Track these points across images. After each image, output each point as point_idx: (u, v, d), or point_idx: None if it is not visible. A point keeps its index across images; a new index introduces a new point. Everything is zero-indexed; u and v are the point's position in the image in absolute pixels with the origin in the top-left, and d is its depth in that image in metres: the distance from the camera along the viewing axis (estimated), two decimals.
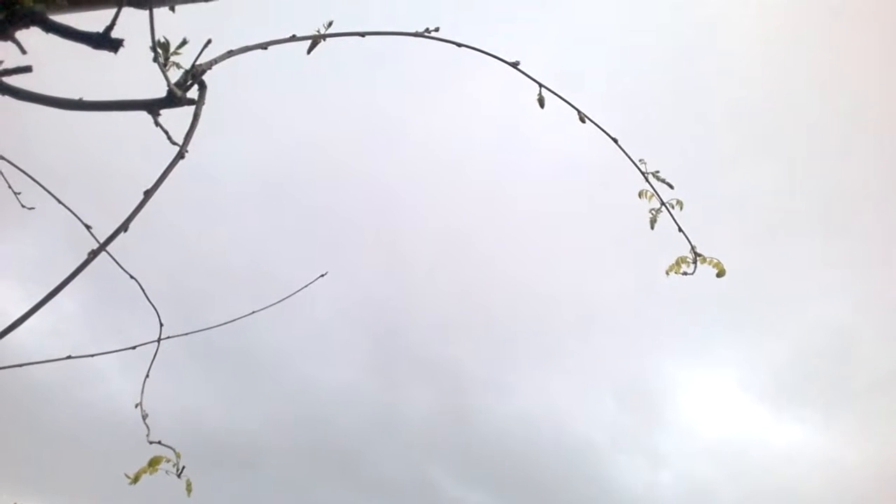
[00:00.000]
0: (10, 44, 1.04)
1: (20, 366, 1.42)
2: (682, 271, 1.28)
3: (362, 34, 1.29)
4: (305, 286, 1.79)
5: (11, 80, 1.04)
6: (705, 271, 1.36)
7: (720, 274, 1.30)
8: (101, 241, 1.34)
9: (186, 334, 1.66)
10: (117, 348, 1.70)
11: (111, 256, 1.32)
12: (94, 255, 1.07)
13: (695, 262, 1.29)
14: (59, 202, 1.42)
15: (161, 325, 1.59)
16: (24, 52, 0.94)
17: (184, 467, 1.23)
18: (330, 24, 1.26)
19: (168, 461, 1.25)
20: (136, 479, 1.22)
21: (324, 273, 1.85)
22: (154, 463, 1.23)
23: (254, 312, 1.79)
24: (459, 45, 1.36)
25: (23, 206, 1.65)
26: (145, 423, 1.44)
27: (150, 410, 1.62)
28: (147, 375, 1.59)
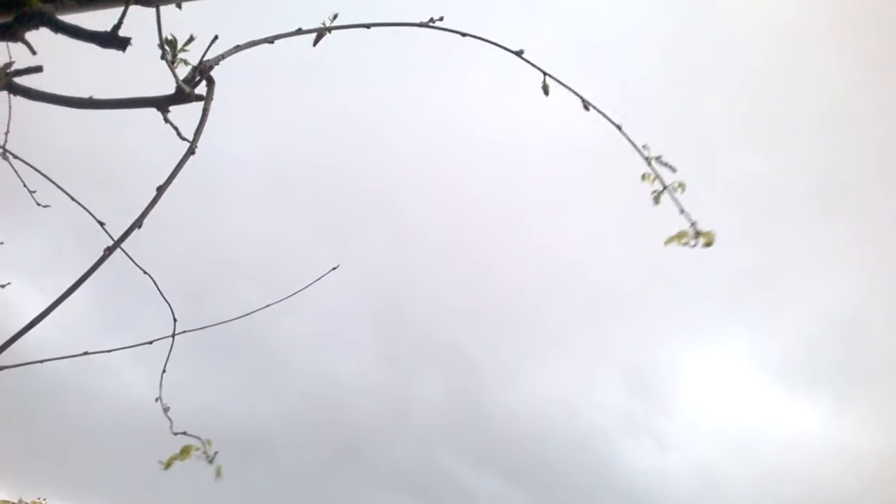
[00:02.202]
0: (19, 45, 1.04)
1: (40, 362, 1.45)
2: (683, 242, 1.30)
3: (367, 26, 1.29)
4: (318, 279, 1.81)
5: (23, 81, 1.05)
6: (707, 252, 1.38)
7: (708, 243, 1.31)
8: (113, 236, 1.36)
9: (201, 329, 1.68)
10: (129, 343, 1.72)
11: (125, 253, 1.33)
12: (109, 251, 1.08)
13: (696, 237, 1.31)
14: (73, 199, 1.44)
15: (175, 320, 1.61)
16: (34, 52, 0.95)
17: (216, 453, 1.26)
18: (335, 16, 1.26)
19: (197, 450, 1.28)
20: (168, 465, 1.25)
21: (335, 266, 1.86)
22: (186, 451, 1.26)
23: (268, 306, 1.81)
24: (464, 34, 1.36)
25: (38, 203, 1.67)
26: (167, 416, 1.47)
27: (166, 403, 1.64)
28: (164, 370, 1.62)
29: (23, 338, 1.06)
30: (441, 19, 1.32)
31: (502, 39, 1.34)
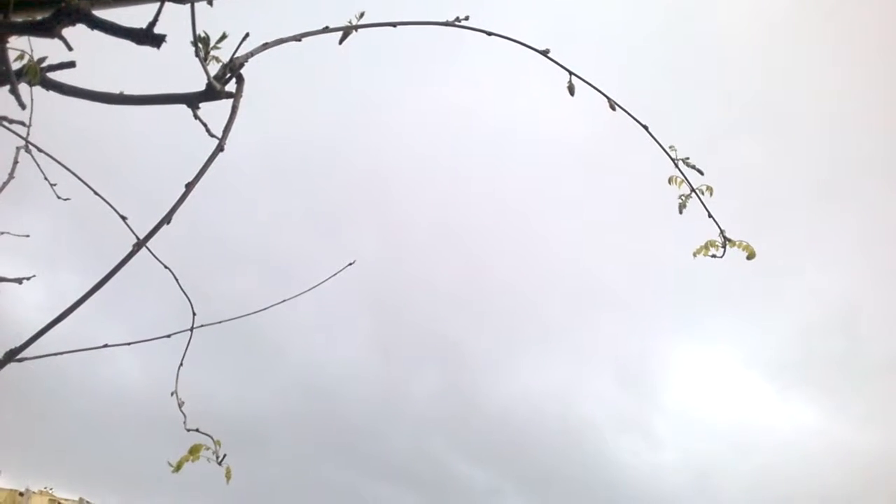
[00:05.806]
0: (52, 39, 1.04)
1: (58, 354, 1.45)
2: (710, 254, 1.30)
3: (394, 24, 1.29)
4: (334, 275, 1.81)
5: (55, 76, 1.05)
6: (732, 253, 1.37)
7: (750, 256, 1.31)
8: (129, 226, 1.36)
9: (219, 322, 1.68)
10: (136, 336, 1.72)
11: (149, 250, 1.34)
12: (137, 247, 1.08)
13: (724, 245, 1.31)
14: (96, 194, 1.44)
15: (194, 314, 1.61)
16: (70, 48, 0.95)
17: (225, 455, 1.26)
18: (362, 14, 1.26)
19: (207, 448, 1.28)
20: (178, 468, 1.25)
21: (352, 262, 1.87)
22: (195, 451, 1.26)
23: (283, 301, 1.81)
24: (490, 33, 1.36)
25: (59, 197, 1.68)
26: (182, 412, 1.47)
27: (160, 394, 1.63)
28: (181, 364, 1.62)
29: (23, 329, 1.07)
30: (467, 18, 1.32)
31: (527, 37, 1.34)
